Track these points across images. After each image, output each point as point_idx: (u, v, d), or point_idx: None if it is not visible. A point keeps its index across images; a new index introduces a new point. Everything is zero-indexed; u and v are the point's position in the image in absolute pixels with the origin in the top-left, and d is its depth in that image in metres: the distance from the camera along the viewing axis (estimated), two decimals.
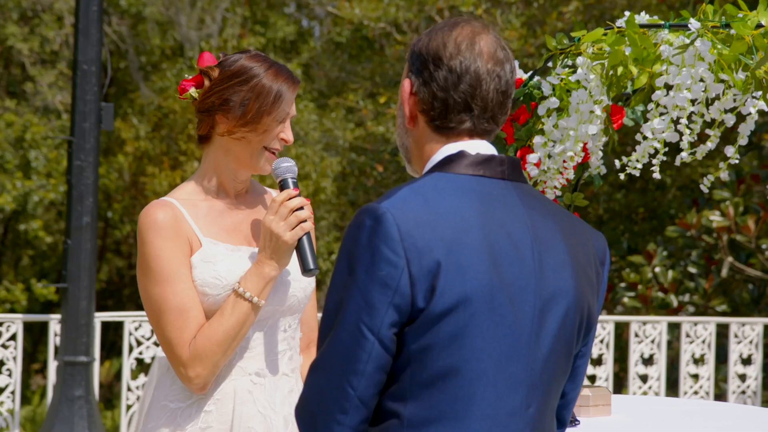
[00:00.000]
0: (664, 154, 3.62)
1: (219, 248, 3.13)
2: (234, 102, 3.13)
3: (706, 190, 3.63)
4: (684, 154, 3.59)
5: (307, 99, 17.43)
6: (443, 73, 2.37)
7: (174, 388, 3.15)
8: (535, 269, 2.31)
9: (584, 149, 3.81)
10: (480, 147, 2.38)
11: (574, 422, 3.39)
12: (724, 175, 3.67)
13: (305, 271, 3.08)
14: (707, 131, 3.62)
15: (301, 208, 3.09)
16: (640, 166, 3.67)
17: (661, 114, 3.58)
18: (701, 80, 3.48)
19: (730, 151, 3.51)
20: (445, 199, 2.28)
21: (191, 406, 3.12)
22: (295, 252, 3.11)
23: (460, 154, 2.35)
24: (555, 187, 3.82)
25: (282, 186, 3.14)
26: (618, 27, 3.72)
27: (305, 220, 3.08)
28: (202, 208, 3.18)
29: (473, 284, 2.23)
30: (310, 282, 3.23)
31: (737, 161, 3.56)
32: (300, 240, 3.08)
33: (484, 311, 2.24)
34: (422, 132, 2.42)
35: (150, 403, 3.19)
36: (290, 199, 3.08)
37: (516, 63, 2.54)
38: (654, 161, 3.64)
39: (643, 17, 3.79)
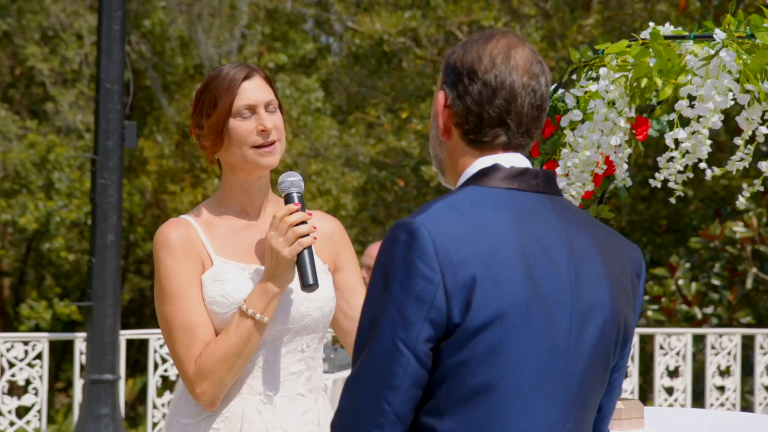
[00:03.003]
0: (691, 166, 3.61)
1: (229, 267, 3.13)
2: (201, 124, 3.17)
3: (742, 206, 3.61)
4: (715, 168, 3.58)
5: (326, 114, 17.46)
6: (478, 87, 2.35)
7: (187, 404, 3.16)
8: (571, 283, 2.29)
9: (607, 161, 3.80)
10: (514, 160, 2.37)
11: None
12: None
13: (304, 286, 3.05)
14: (736, 141, 3.60)
15: (304, 223, 3.07)
16: (661, 177, 3.65)
17: (684, 125, 3.57)
18: (730, 90, 3.46)
19: (764, 166, 3.48)
20: (480, 213, 2.26)
21: (201, 422, 3.13)
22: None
23: (495, 168, 2.34)
24: (572, 195, 3.80)
25: (287, 200, 3.12)
26: (642, 39, 3.71)
27: (306, 235, 3.05)
28: (220, 227, 3.19)
29: (509, 299, 2.22)
30: (327, 301, 3.20)
31: None
32: (300, 255, 3.05)
33: (520, 326, 2.23)
34: (456, 145, 2.41)
35: (168, 419, 3.22)
36: (290, 214, 3.06)
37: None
38: (670, 170, 3.62)
39: (667, 29, 3.78)
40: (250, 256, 3.18)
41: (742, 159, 3.60)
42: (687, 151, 3.55)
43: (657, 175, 3.65)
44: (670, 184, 3.65)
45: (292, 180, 3.13)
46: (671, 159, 3.61)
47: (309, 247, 3.06)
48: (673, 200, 3.76)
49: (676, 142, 3.58)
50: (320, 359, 3.25)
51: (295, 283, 3.14)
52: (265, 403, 3.13)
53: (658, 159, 3.63)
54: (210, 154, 3.21)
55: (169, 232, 3.12)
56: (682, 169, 3.60)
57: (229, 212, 3.22)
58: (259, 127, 3.14)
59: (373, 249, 7.40)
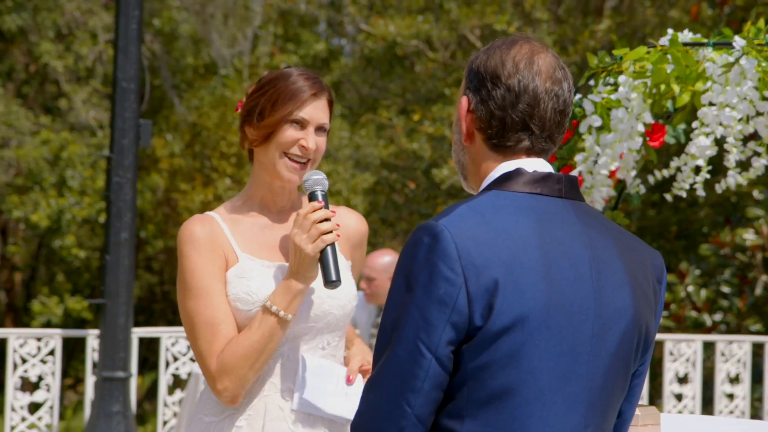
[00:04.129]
0: (707, 172, 3.62)
1: (255, 264, 3.15)
2: (254, 111, 3.19)
3: None
4: (738, 176, 3.59)
5: (337, 116, 17.47)
6: (501, 92, 2.36)
7: (210, 402, 3.18)
8: (594, 288, 2.30)
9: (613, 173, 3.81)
10: (537, 165, 2.38)
11: None
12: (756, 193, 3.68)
13: (327, 283, 3.07)
14: (756, 149, 3.61)
15: (327, 220, 3.08)
16: (687, 186, 3.67)
17: (707, 133, 3.58)
18: (747, 98, 3.48)
19: None
20: (503, 217, 2.27)
21: (224, 420, 3.14)
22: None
23: (517, 172, 2.35)
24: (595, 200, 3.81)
25: (311, 199, 3.15)
26: (661, 45, 3.72)
27: (329, 232, 3.07)
28: (245, 224, 3.21)
29: (531, 303, 2.23)
30: (350, 299, 3.22)
31: None
32: (323, 252, 3.07)
33: (541, 330, 2.23)
34: (479, 149, 2.42)
35: (191, 417, 3.23)
36: (314, 211, 3.08)
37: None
38: (698, 179, 3.64)
39: (686, 35, 3.79)
40: (274, 254, 3.21)
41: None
42: (696, 160, 3.56)
43: (682, 184, 3.65)
44: (699, 192, 3.66)
45: (316, 178, 3.15)
46: (697, 169, 3.62)
47: (332, 244, 3.08)
48: (671, 197, 3.75)
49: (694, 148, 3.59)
50: (341, 357, 3.27)
51: (318, 282, 3.15)
52: (287, 401, 3.14)
53: (681, 168, 3.63)
54: (246, 142, 3.24)
55: (194, 227, 3.15)
56: (708, 176, 3.61)
57: (253, 208, 3.25)
58: (302, 142, 3.17)
59: (372, 259, 7.31)
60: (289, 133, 3.16)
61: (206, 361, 3.08)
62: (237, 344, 3.06)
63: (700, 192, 3.66)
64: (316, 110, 3.19)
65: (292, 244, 3.07)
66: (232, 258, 3.16)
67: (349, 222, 3.34)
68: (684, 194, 3.72)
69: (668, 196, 3.78)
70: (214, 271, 3.12)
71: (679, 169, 3.67)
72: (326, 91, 3.24)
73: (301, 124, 3.17)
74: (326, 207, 3.12)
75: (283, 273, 3.16)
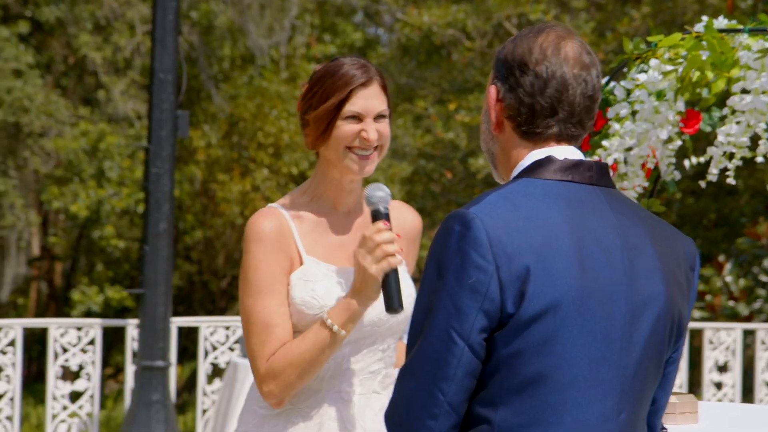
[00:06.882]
0: (740, 159, 3.60)
1: (319, 268, 3.11)
2: (309, 111, 3.14)
3: None
4: (762, 152, 3.57)
5: None
6: (529, 79, 2.37)
7: None
8: (626, 274, 2.30)
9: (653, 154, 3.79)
10: (567, 152, 2.38)
11: (662, 430, 3.36)
12: None
13: (389, 308, 2.98)
14: None
15: (392, 242, 2.99)
16: (716, 171, 3.66)
17: (737, 121, 3.56)
18: None
19: None
20: (534, 204, 2.28)
21: (279, 415, 3.12)
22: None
23: (548, 160, 2.35)
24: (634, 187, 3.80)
25: (374, 215, 3.03)
26: (696, 32, 3.70)
27: (394, 255, 2.97)
28: (311, 222, 3.16)
29: (563, 290, 2.23)
30: (410, 303, 3.13)
31: None
32: (387, 276, 2.98)
33: (574, 317, 2.24)
34: (509, 138, 2.42)
35: (243, 408, 3.23)
36: (379, 232, 2.98)
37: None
38: (729, 165, 3.62)
39: (721, 22, 3.77)
40: (339, 257, 3.16)
41: None
42: (747, 146, 3.55)
43: (712, 170, 3.64)
44: (729, 180, 3.64)
45: (380, 195, 3.03)
46: (730, 155, 3.59)
47: (395, 270, 2.98)
48: (706, 186, 3.75)
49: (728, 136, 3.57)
50: (395, 357, 3.25)
51: None
52: (345, 401, 3.12)
53: (712, 152, 3.62)
54: (310, 143, 3.18)
55: (263, 223, 3.09)
56: (740, 164, 3.59)
57: (319, 205, 3.19)
58: (363, 134, 3.09)
59: None
60: (345, 127, 3.09)
61: (257, 361, 3.05)
62: (288, 351, 3.03)
63: (731, 181, 3.64)
64: (368, 100, 3.11)
65: (357, 264, 2.99)
66: (297, 260, 3.11)
67: (406, 217, 3.29)
68: (715, 179, 3.70)
69: (703, 183, 3.76)
70: (278, 272, 3.07)
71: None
72: (376, 76, 3.14)
73: (358, 118, 3.11)
74: (388, 223, 3.02)
75: (347, 277, 3.11)
